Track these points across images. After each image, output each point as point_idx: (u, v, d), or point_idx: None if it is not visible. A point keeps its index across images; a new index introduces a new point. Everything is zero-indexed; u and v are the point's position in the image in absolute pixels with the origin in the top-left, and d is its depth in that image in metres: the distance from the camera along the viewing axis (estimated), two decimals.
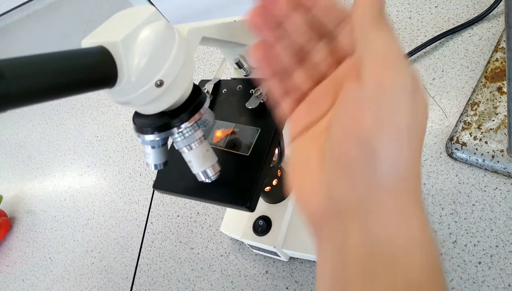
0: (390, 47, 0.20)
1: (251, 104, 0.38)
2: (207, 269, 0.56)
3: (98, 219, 0.74)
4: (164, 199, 0.67)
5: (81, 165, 0.86)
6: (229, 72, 0.44)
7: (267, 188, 0.46)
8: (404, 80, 0.19)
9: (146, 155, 0.32)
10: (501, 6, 0.53)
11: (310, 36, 0.25)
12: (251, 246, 0.51)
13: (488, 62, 0.49)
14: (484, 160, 0.43)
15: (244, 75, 0.42)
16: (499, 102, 0.45)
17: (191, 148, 0.31)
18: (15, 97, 0.21)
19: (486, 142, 0.44)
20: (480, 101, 0.46)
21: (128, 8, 0.29)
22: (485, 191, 0.44)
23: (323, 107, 0.24)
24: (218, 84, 0.44)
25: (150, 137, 0.30)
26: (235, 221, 0.52)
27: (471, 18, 0.54)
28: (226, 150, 0.38)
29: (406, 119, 0.18)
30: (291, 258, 0.50)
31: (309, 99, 0.25)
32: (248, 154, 0.37)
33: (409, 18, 0.60)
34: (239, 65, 0.41)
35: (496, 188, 0.43)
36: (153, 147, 0.32)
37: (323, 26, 0.25)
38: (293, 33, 0.25)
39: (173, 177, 0.40)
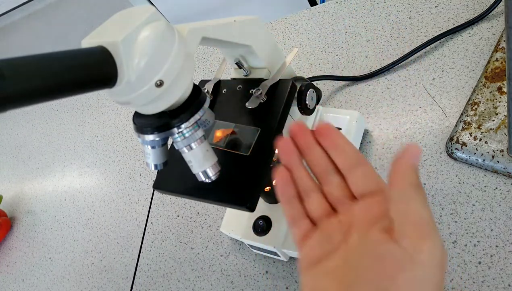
0: (427, 218, 0.23)
1: (251, 104, 0.38)
2: (207, 269, 0.56)
3: (98, 219, 0.74)
4: (164, 199, 0.67)
5: (81, 165, 0.86)
6: (229, 72, 0.44)
7: (267, 188, 0.46)
8: (438, 253, 0.22)
9: (146, 155, 0.32)
10: (501, 6, 0.53)
11: (325, 168, 0.29)
12: (251, 246, 0.51)
13: (488, 62, 0.49)
14: (484, 160, 0.43)
15: (244, 75, 0.42)
16: (499, 102, 0.45)
17: (191, 148, 0.31)
18: (15, 98, 0.21)
19: (486, 142, 0.44)
20: (480, 101, 0.46)
21: (128, 8, 0.29)
22: (485, 191, 0.44)
23: (335, 241, 0.26)
24: (218, 84, 0.44)
25: (150, 137, 0.30)
26: (235, 221, 0.52)
27: (471, 18, 0.54)
28: (226, 150, 0.38)
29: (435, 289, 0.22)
30: (291, 258, 0.50)
31: (322, 231, 0.27)
32: (248, 154, 0.37)
33: (409, 18, 0.60)
34: (239, 65, 0.41)
35: (496, 188, 0.43)
36: (153, 147, 0.32)
37: (338, 164, 0.28)
38: (312, 163, 0.29)
39: (173, 177, 0.40)
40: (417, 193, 0.23)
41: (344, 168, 0.28)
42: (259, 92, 0.38)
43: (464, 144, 0.45)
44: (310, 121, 0.50)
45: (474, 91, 0.48)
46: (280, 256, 0.49)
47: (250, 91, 0.39)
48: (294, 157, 0.29)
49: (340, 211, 0.28)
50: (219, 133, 0.40)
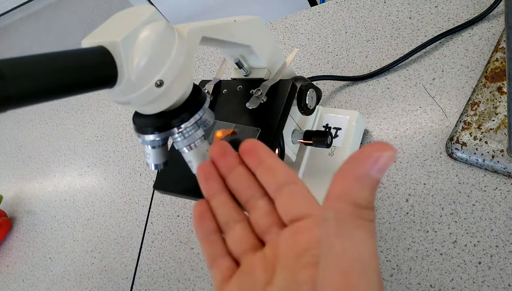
0: (363, 261, 0.16)
1: (252, 104, 0.38)
2: (207, 269, 0.56)
3: (98, 219, 0.74)
4: (164, 199, 0.67)
5: (81, 165, 0.86)
6: (229, 72, 0.44)
7: None
8: None
9: (146, 155, 0.32)
10: (501, 6, 0.53)
11: (251, 193, 0.24)
12: None
13: (488, 62, 0.49)
14: (484, 160, 0.43)
15: (244, 75, 0.42)
16: (499, 102, 0.45)
17: (191, 148, 0.31)
18: (15, 98, 0.21)
19: (486, 142, 0.44)
20: (480, 101, 0.46)
21: (128, 8, 0.29)
22: (485, 191, 0.44)
23: (258, 283, 0.21)
24: (218, 85, 0.44)
25: (150, 137, 0.30)
26: None
27: (471, 18, 0.54)
28: None
29: None
30: None
31: (243, 271, 0.23)
32: None
33: (409, 18, 0.60)
34: (239, 65, 0.41)
35: (496, 188, 0.43)
36: (153, 147, 0.32)
37: (266, 186, 0.24)
38: (235, 187, 0.25)
39: (173, 177, 0.40)
40: (361, 220, 0.16)
41: (271, 189, 0.24)
42: (260, 93, 0.38)
43: (464, 144, 0.45)
44: (310, 121, 0.50)
45: (474, 91, 0.48)
46: None
47: (251, 92, 0.39)
48: (214, 183, 0.25)
49: (267, 243, 0.23)
50: (219, 134, 0.40)
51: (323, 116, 0.52)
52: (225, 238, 0.25)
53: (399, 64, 0.57)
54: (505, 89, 0.46)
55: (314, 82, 0.61)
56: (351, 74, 0.60)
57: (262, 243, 0.24)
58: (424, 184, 0.47)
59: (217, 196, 0.25)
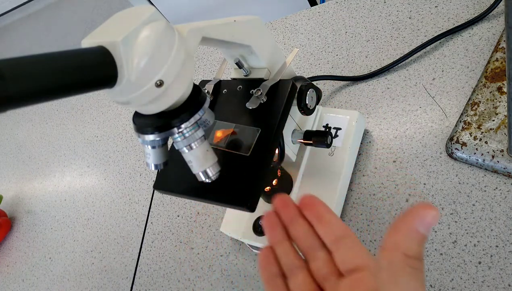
0: None
1: (252, 104, 0.38)
2: (207, 269, 0.56)
3: (98, 219, 0.74)
4: (164, 199, 0.67)
5: (81, 165, 0.86)
6: (229, 72, 0.44)
7: (267, 188, 0.46)
8: None
9: (146, 155, 0.32)
10: (501, 6, 0.53)
11: (311, 243, 0.27)
12: (251, 246, 0.51)
13: (488, 62, 0.49)
14: (484, 160, 0.43)
15: (244, 75, 0.42)
16: (499, 102, 0.45)
17: (191, 148, 0.31)
18: (15, 98, 0.21)
19: (486, 142, 0.44)
20: (480, 101, 0.46)
21: (128, 8, 0.29)
22: (485, 191, 0.44)
23: None
24: (218, 85, 0.44)
25: (150, 137, 0.30)
26: (235, 221, 0.52)
27: (471, 18, 0.54)
28: (226, 150, 0.38)
29: None
30: None
31: None
32: (248, 154, 0.37)
33: (409, 18, 0.60)
34: (239, 65, 0.41)
35: (496, 188, 0.43)
36: (153, 147, 0.32)
37: (324, 238, 0.27)
38: (297, 237, 0.27)
39: (173, 177, 0.40)
40: (411, 269, 0.20)
41: (329, 241, 0.26)
42: (260, 93, 0.38)
43: (464, 144, 0.45)
44: (310, 121, 0.50)
45: (474, 91, 0.48)
46: None
47: (251, 92, 0.39)
48: (278, 232, 0.28)
49: (327, 290, 0.26)
50: (219, 134, 0.40)
51: (323, 116, 0.52)
52: (288, 283, 0.27)
53: (399, 64, 0.57)
54: (505, 89, 0.46)
55: (314, 82, 0.61)
56: (351, 74, 0.60)
57: (321, 290, 0.26)
58: (424, 184, 0.47)
59: (281, 244, 0.28)
